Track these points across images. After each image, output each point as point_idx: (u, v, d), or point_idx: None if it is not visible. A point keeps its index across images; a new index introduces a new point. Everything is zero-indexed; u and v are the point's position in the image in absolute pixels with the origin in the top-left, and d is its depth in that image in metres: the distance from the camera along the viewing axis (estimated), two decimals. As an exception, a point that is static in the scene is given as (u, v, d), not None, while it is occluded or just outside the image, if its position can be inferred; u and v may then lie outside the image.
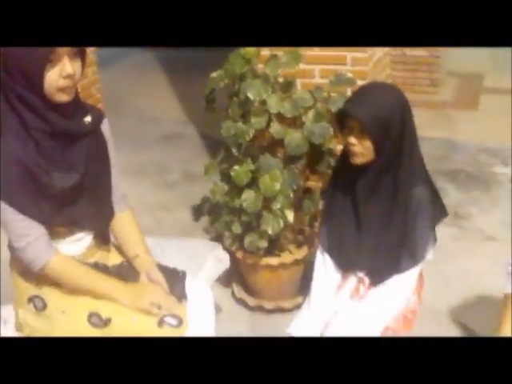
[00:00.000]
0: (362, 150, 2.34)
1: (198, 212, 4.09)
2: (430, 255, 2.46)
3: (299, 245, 3.20)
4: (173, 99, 6.14)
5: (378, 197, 2.42)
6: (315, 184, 3.13)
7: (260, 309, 3.18)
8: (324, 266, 2.62)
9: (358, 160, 2.38)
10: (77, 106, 2.08)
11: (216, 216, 3.11)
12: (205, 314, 2.31)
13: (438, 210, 2.50)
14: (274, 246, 3.09)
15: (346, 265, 2.57)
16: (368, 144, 2.32)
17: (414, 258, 2.41)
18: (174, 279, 2.29)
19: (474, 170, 4.44)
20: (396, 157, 2.35)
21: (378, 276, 2.49)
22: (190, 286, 2.31)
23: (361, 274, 2.55)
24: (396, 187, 2.38)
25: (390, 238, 2.42)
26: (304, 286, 3.22)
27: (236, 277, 3.32)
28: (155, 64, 7.44)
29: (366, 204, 2.45)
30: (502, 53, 6.36)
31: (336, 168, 2.61)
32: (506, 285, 2.30)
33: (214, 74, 2.99)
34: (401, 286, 2.46)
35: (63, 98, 1.98)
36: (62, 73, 1.93)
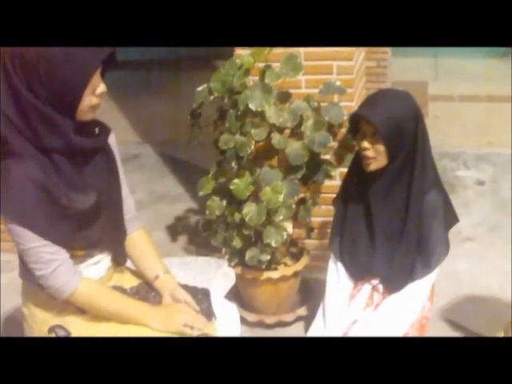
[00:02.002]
0: (375, 154, 2.35)
1: (173, 232, 4.04)
2: (444, 261, 2.48)
3: (293, 257, 3.17)
4: (124, 121, 6.01)
5: (391, 203, 2.43)
6: (309, 195, 3.11)
7: (260, 324, 3.12)
8: (337, 274, 2.61)
9: (371, 165, 2.38)
10: (90, 122, 2.00)
11: (212, 232, 3.04)
12: (233, 330, 2.27)
13: (450, 216, 2.52)
14: (271, 259, 3.05)
15: (359, 273, 2.57)
16: (381, 149, 2.33)
17: (429, 264, 2.43)
18: (199, 297, 2.22)
19: (440, 175, 4.52)
20: (409, 163, 2.37)
21: (392, 284, 2.49)
22: (216, 303, 2.25)
23: (375, 282, 2.55)
24: (409, 193, 2.39)
25: (404, 244, 2.44)
26: (303, 298, 3.20)
27: (232, 293, 3.25)
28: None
29: (379, 211, 2.46)
30: (440, 61, 6.58)
31: (348, 175, 2.60)
32: None
33: (200, 88, 2.94)
34: (417, 294, 2.48)
35: (91, 116, 1.93)
36: (96, 91, 1.88)
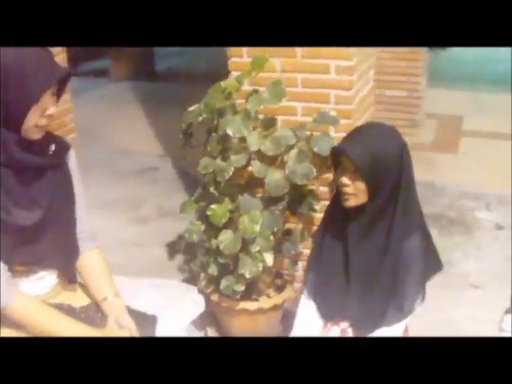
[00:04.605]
0: (355, 191, 2.24)
1: (172, 250, 3.98)
2: (418, 308, 2.35)
3: (277, 288, 3.07)
4: (149, 132, 6.02)
5: (369, 244, 2.31)
6: (295, 225, 3.00)
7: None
8: (308, 311, 2.51)
9: (350, 202, 2.27)
10: (43, 139, 1.97)
11: (192, 256, 2.97)
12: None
13: (432, 264, 2.39)
14: (252, 289, 2.95)
15: (329, 314, 2.46)
16: (361, 186, 2.22)
17: (402, 311, 2.31)
18: (144, 324, 2.17)
19: (457, 215, 4.35)
20: (390, 202, 2.25)
21: (363, 327, 2.37)
22: (162, 330, 2.19)
23: (344, 326, 2.43)
24: (388, 236, 2.27)
25: (378, 289, 2.32)
26: (286, 330, 3.08)
27: (210, 320, 3.16)
28: (130, 95, 7.33)
29: (356, 251, 2.34)
30: (481, 95, 6.39)
31: (327, 210, 2.49)
32: None
33: (191, 108, 2.88)
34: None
35: (37, 135, 1.91)
36: (44, 112, 1.86)
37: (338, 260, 2.40)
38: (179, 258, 3.90)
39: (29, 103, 1.82)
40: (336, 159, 2.31)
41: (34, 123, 1.86)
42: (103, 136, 5.98)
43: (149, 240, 4.13)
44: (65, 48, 3.84)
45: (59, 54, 3.79)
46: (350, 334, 2.42)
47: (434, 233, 3.97)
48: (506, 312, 2.23)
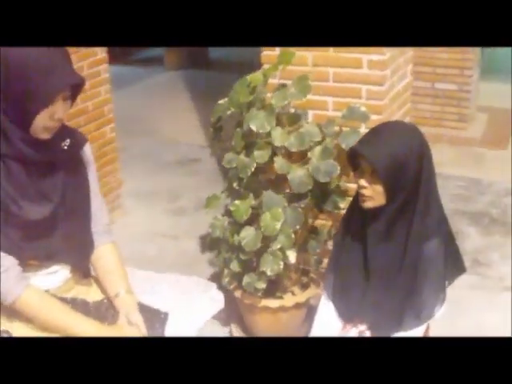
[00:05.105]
0: (373, 193, 2.17)
1: (204, 244, 3.95)
2: (439, 313, 2.27)
3: (303, 286, 3.02)
4: (196, 122, 6.01)
5: (388, 247, 2.24)
6: (322, 223, 2.94)
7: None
8: (327, 312, 2.47)
9: (368, 204, 2.20)
10: (57, 134, 1.96)
11: (217, 251, 2.94)
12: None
13: (452, 268, 2.30)
14: (276, 286, 2.91)
15: (348, 316, 2.41)
16: (379, 188, 2.15)
17: (419, 318, 2.24)
18: (155, 321, 2.15)
19: (499, 213, 4.20)
20: (410, 204, 2.17)
21: (379, 331, 2.31)
22: (174, 328, 2.17)
23: (362, 328, 2.37)
24: (407, 238, 2.19)
25: (395, 293, 2.25)
26: (309, 330, 3.04)
27: (235, 316, 3.14)
28: (182, 84, 7.35)
29: (375, 254, 2.27)
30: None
31: (348, 211, 2.43)
32: None
33: (221, 101, 2.85)
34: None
35: (45, 136, 1.91)
36: (53, 116, 1.86)
37: (357, 261, 2.34)
38: (210, 253, 3.88)
39: (38, 107, 1.82)
40: (354, 161, 2.24)
41: (43, 125, 1.86)
42: (151, 126, 6.02)
43: (183, 233, 4.12)
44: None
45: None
46: (368, 336, 2.36)
47: (472, 232, 3.94)
48: None
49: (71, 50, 3.61)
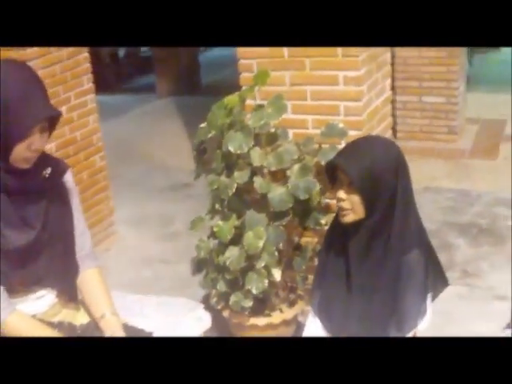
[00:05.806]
0: (351, 206, 2.20)
1: (194, 266, 3.98)
2: (422, 325, 2.29)
3: (292, 303, 3.04)
4: (187, 147, 6.05)
5: (369, 261, 2.27)
6: (307, 240, 2.97)
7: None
8: (314, 329, 2.49)
9: (347, 218, 2.24)
10: (38, 163, 2.01)
11: (204, 272, 2.98)
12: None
13: (433, 279, 2.31)
14: (265, 305, 2.93)
15: (334, 330, 2.42)
16: (357, 199, 2.18)
17: (402, 330, 2.24)
18: None
19: (488, 223, 4.22)
20: (388, 218, 2.20)
21: None
22: None
23: (346, 341, 2.39)
24: (387, 251, 2.22)
25: (377, 306, 2.27)
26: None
27: (225, 335, 3.16)
28: (174, 110, 7.42)
29: (357, 268, 2.29)
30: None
31: (330, 227, 2.46)
32: None
33: (202, 125, 2.89)
34: None
35: (25, 165, 1.96)
36: (31, 147, 1.91)
37: (340, 277, 2.36)
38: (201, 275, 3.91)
39: (15, 139, 1.87)
40: (332, 174, 2.28)
41: (21, 156, 1.91)
42: (143, 152, 6.08)
43: (177, 256, 4.15)
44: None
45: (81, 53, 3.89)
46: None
47: (461, 243, 3.96)
48: (507, 327, 2.15)
49: (58, 81, 3.64)
